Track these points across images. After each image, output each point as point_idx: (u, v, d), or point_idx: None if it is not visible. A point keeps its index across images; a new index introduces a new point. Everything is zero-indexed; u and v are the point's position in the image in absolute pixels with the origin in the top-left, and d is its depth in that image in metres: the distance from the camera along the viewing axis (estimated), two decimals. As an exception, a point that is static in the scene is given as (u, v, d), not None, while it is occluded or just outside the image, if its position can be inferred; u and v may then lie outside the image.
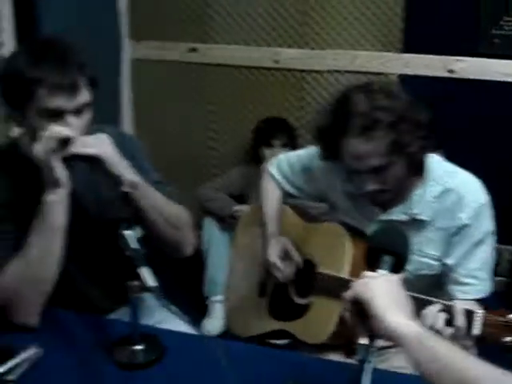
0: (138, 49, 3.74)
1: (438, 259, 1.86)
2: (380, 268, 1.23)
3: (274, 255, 2.07)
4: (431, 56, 3.16)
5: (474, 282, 1.83)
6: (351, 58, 3.35)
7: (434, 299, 1.60)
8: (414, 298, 1.61)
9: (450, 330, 1.52)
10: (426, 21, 3.15)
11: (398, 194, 1.84)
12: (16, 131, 1.85)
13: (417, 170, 1.83)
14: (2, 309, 1.67)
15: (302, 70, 3.47)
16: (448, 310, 1.54)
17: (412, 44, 3.21)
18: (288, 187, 2.17)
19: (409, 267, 1.29)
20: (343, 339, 1.92)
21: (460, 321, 1.52)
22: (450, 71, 3.15)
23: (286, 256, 2.08)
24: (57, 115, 1.62)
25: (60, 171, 1.62)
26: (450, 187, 1.83)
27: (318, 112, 2.04)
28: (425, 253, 1.85)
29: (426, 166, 1.84)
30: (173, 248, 1.87)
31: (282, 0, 3.41)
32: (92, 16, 3.31)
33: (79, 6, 3.19)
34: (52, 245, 1.66)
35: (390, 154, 1.73)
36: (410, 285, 1.82)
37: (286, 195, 2.21)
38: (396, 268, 1.25)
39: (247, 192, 3.43)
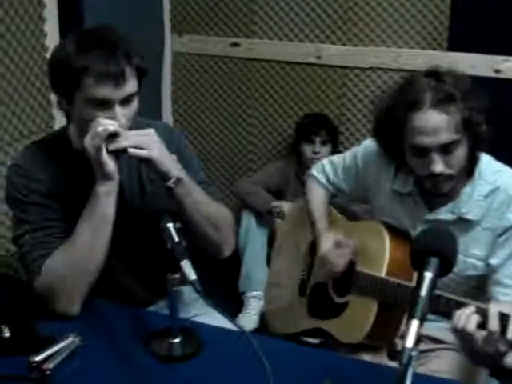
0: (180, 43, 3.74)
1: (483, 259, 1.82)
2: (426, 270, 1.20)
3: (327, 247, 2.06)
4: (477, 55, 3.09)
5: (516, 284, 1.79)
6: (394, 55, 3.30)
7: (468, 301, 1.56)
8: (447, 300, 1.58)
9: (482, 334, 1.48)
10: (473, 19, 3.08)
11: (454, 186, 1.81)
12: (63, 121, 1.85)
13: (473, 161, 1.81)
14: (44, 297, 1.68)
15: (344, 67, 3.43)
16: (482, 312, 1.49)
17: (458, 42, 3.14)
18: (330, 188, 2.19)
19: (454, 268, 1.26)
20: (379, 340, 1.90)
21: (493, 325, 1.47)
22: (497, 71, 3.08)
23: (338, 246, 2.05)
24: (104, 104, 1.61)
25: (111, 165, 1.62)
26: (499, 186, 1.80)
27: (379, 97, 2.02)
28: (470, 253, 1.82)
29: (476, 163, 1.82)
30: (212, 248, 1.86)
31: (326, -4, 3.39)
32: (135, 9, 3.34)
33: (123, -2, 3.22)
34: (100, 235, 1.66)
35: (462, 131, 1.72)
36: (453, 286, 1.81)
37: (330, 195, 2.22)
38: (443, 270, 1.21)
39: (285, 188, 3.42)
